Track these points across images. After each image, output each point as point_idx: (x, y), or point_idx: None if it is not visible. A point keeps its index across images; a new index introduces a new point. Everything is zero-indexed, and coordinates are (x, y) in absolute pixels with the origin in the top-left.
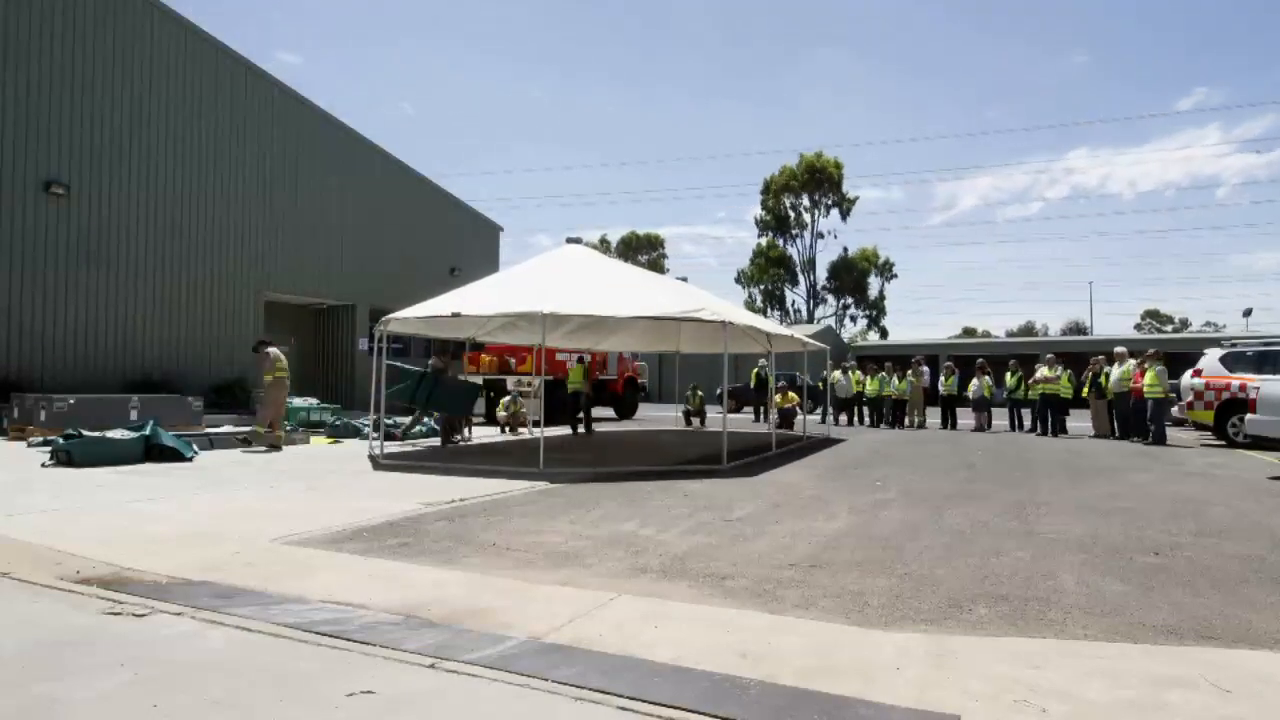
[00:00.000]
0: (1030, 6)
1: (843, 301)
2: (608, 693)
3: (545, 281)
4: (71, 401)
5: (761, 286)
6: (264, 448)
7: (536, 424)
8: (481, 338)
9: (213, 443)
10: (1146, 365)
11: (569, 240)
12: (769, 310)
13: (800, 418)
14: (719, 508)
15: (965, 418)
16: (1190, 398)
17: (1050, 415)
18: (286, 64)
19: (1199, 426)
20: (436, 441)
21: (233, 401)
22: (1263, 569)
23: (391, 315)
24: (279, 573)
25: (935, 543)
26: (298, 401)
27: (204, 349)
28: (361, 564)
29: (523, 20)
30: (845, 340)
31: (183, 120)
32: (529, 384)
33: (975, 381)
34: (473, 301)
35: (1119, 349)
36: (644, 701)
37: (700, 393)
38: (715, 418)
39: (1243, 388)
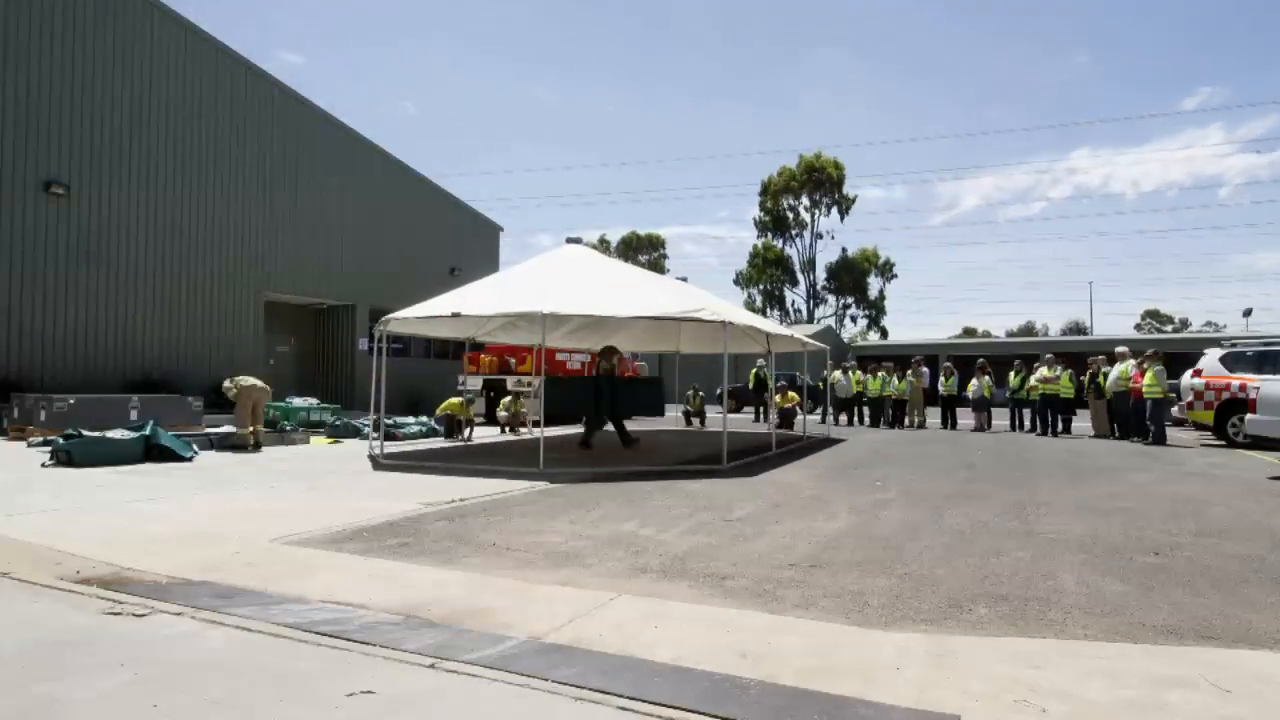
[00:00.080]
0: (1032, 6)
1: (842, 301)
2: (608, 693)
3: (545, 281)
4: (71, 401)
5: (760, 287)
6: (246, 448)
7: (536, 424)
8: (481, 338)
9: (212, 443)
10: (1146, 365)
11: (569, 240)
12: (769, 310)
13: (800, 418)
14: (719, 508)
15: (965, 418)
16: (1190, 398)
17: (1050, 415)
18: (289, 63)
19: (1199, 426)
20: (435, 442)
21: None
22: (1263, 569)
23: (391, 315)
24: (279, 573)
25: (935, 543)
26: (298, 401)
27: (204, 349)
28: (361, 564)
29: (523, 20)
30: (845, 340)
31: (183, 120)
32: (529, 384)
33: (975, 381)
34: (473, 301)
35: (1121, 349)
36: (644, 701)
37: (700, 393)
38: (715, 418)
39: (1243, 388)
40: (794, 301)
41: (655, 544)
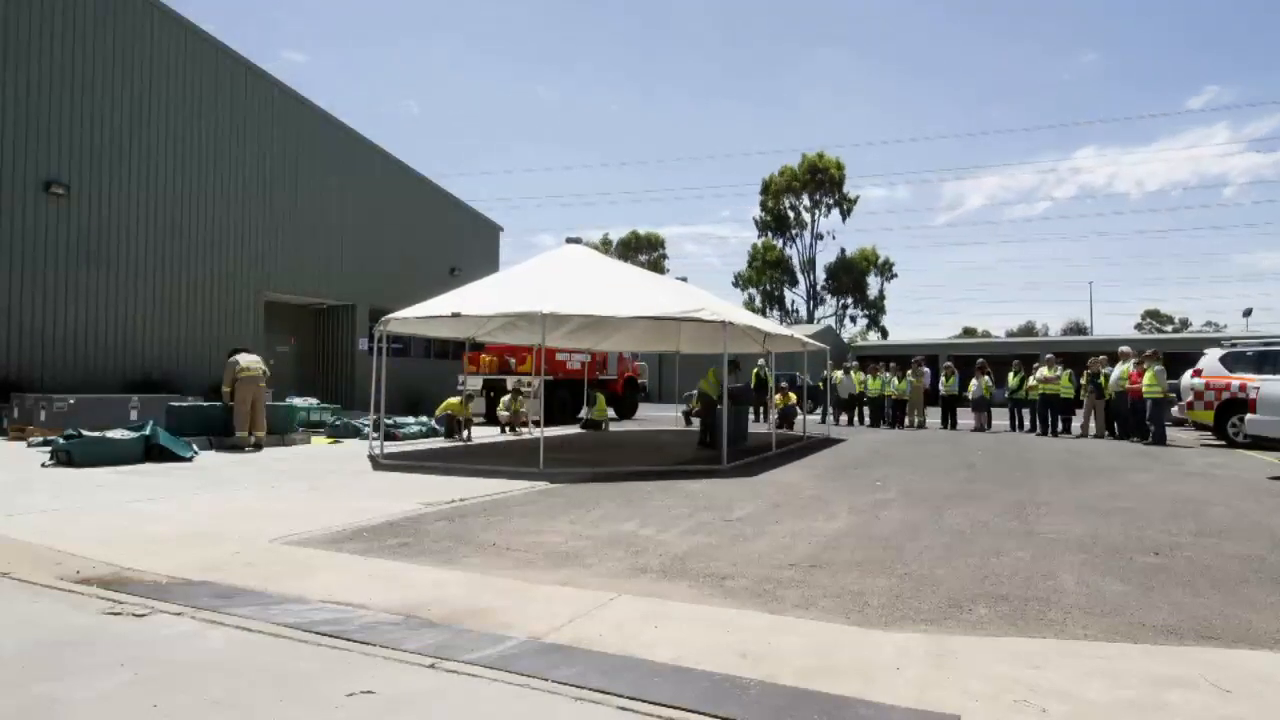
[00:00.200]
0: (1038, 5)
1: (842, 301)
2: (608, 693)
3: (545, 281)
4: (71, 401)
5: (760, 288)
6: (243, 449)
7: (536, 424)
8: (481, 338)
9: (212, 443)
10: (1145, 365)
11: (569, 240)
12: (768, 311)
13: (800, 417)
14: (719, 508)
15: (965, 418)
16: (1190, 398)
17: (1050, 415)
18: (292, 63)
19: (1199, 426)
20: (435, 442)
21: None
22: (1263, 569)
23: (391, 315)
24: (279, 573)
25: (935, 543)
26: (298, 401)
27: (204, 349)
28: (361, 564)
29: (523, 20)
30: (845, 340)
31: (183, 120)
32: (529, 384)
33: (975, 381)
34: (473, 301)
35: (1124, 349)
36: (644, 701)
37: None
38: None
39: (1243, 388)
40: (794, 302)
41: (655, 544)
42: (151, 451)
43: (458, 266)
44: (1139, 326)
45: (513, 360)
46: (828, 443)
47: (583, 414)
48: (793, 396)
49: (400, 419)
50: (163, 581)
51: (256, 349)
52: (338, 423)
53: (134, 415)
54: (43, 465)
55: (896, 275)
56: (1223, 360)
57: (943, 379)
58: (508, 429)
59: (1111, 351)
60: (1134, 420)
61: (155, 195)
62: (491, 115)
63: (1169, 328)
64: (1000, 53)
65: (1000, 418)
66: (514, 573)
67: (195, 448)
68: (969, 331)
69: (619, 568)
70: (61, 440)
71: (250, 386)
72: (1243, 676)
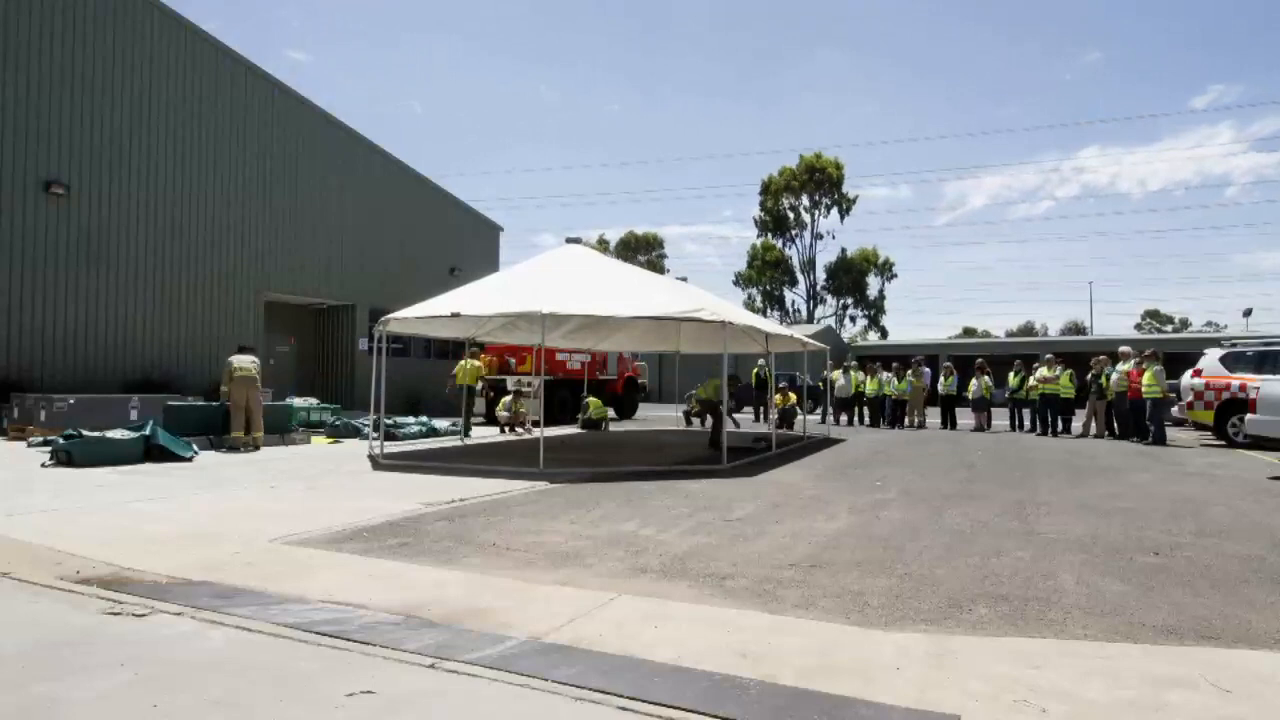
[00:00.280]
0: (1042, 4)
1: (842, 301)
2: (608, 693)
3: (545, 282)
4: (71, 401)
5: (760, 287)
6: (239, 450)
7: (536, 424)
8: (481, 338)
9: (212, 443)
10: (1145, 365)
11: (569, 240)
12: (768, 311)
13: (800, 417)
14: (719, 508)
15: (965, 418)
16: (1190, 398)
17: (1050, 415)
18: (295, 62)
19: (1199, 426)
20: (435, 442)
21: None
22: (1263, 569)
23: (391, 315)
24: (279, 573)
25: (935, 543)
26: (298, 402)
27: (204, 349)
28: (361, 564)
29: (524, 20)
30: (845, 340)
31: (183, 120)
32: (529, 384)
33: (975, 381)
34: (472, 301)
35: (1124, 349)
36: (644, 701)
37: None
38: None
39: (1243, 388)
40: (794, 302)
41: (655, 544)
42: (151, 451)
43: (458, 266)
44: (1139, 326)
45: (513, 360)
46: (828, 443)
47: (582, 414)
48: (792, 396)
49: (400, 419)
50: (163, 581)
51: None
52: (338, 423)
53: (134, 415)
54: (43, 465)
55: (896, 275)
56: (1223, 360)
57: (942, 379)
58: (508, 429)
59: (1111, 351)
60: (1134, 420)
61: (155, 195)
62: (492, 115)
63: (1169, 328)
64: (1004, 52)
65: (1000, 418)
66: (514, 573)
67: (195, 448)
68: (969, 331)
69: (619, 568)
70: (61, 440)
71: (244, 386)
72: (1243, 676)
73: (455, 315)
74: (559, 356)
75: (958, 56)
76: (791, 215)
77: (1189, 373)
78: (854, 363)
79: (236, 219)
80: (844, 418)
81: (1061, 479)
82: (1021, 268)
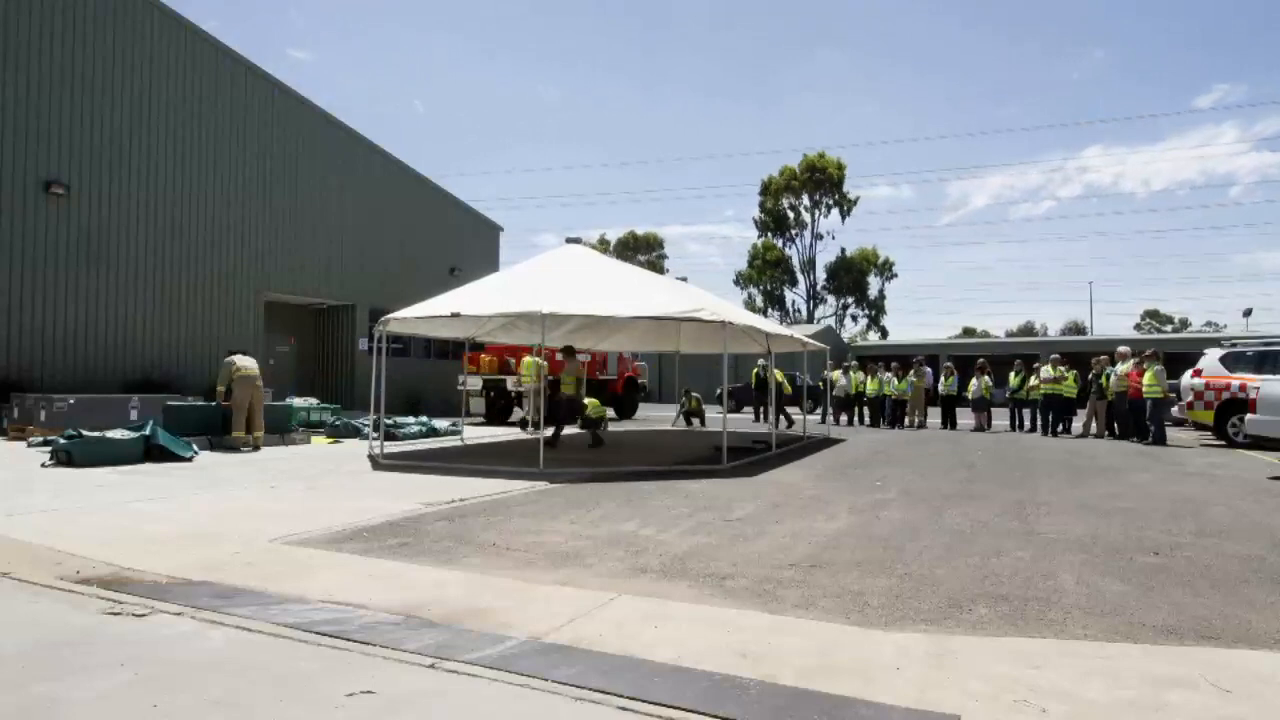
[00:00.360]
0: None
1: (842, 301)
2: (608, 693)
3: (545, 281)
4: (71, 401)
5: (760, 287)
6: (239, 450)
7: (536, 424)
8: (481, 338)
9: (212, 443)
10: (1145, 365)
11: (569, 240)
12: (768, 311)
13: (800, 418)
14: (719, 508)
15: (965, 418)
16: (1190, 398)
17: (1052, 416)
18: (297, 60)
19: (1199, 426)
20: (435, 442)
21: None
22: (1263, 569)
23: (391, 315)
24: (279, 573)
25: (935, 543)
26: (298, 402)
27: (204, 349)
28: (361, 564)
29: (524, 21)
30: (845, 340)
31: (183, 120)
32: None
33: (975, 381)
34: (472, 301)
35: (1122, 349)
36: (644, 701)
37: (695, 395)
38: (715, 418)
39: (1243, 388)
40: (794, 302)
41: (655, 544)
42: (151, 451)
43: (458, 266)
44: (1139, 326)
45: (513, 360)
46: (828, 443)
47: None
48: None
49: (400, 419)
50: (163, 581)
51: (256, 348)
52: (337, 423)
53: (134, 415)
54: (43, 465)
55: (896, 275)
56: (1223, 360)
57: (942, 379)
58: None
59: (1111, 351)
60: (1134, 420)
61: (155, 195)
62: (492, 115)
63: (1169, 328)
64: (1007, 51)
65: (1000, 418)
66: (514, 573)
67: (195, 447)
68: (969, 331)
69: (619, 568)
70: (61, 440)
71: (248, 387)
72: (1243, 676)
73: (455, 315)
74: (559, 356)
75: (959, 56)
76: (791, 215)
77: (1189, 373)
78: (854, 363)
79: (236, 219)
80: (844, 418)
81: (1061, 479)
82: (1021, 268)
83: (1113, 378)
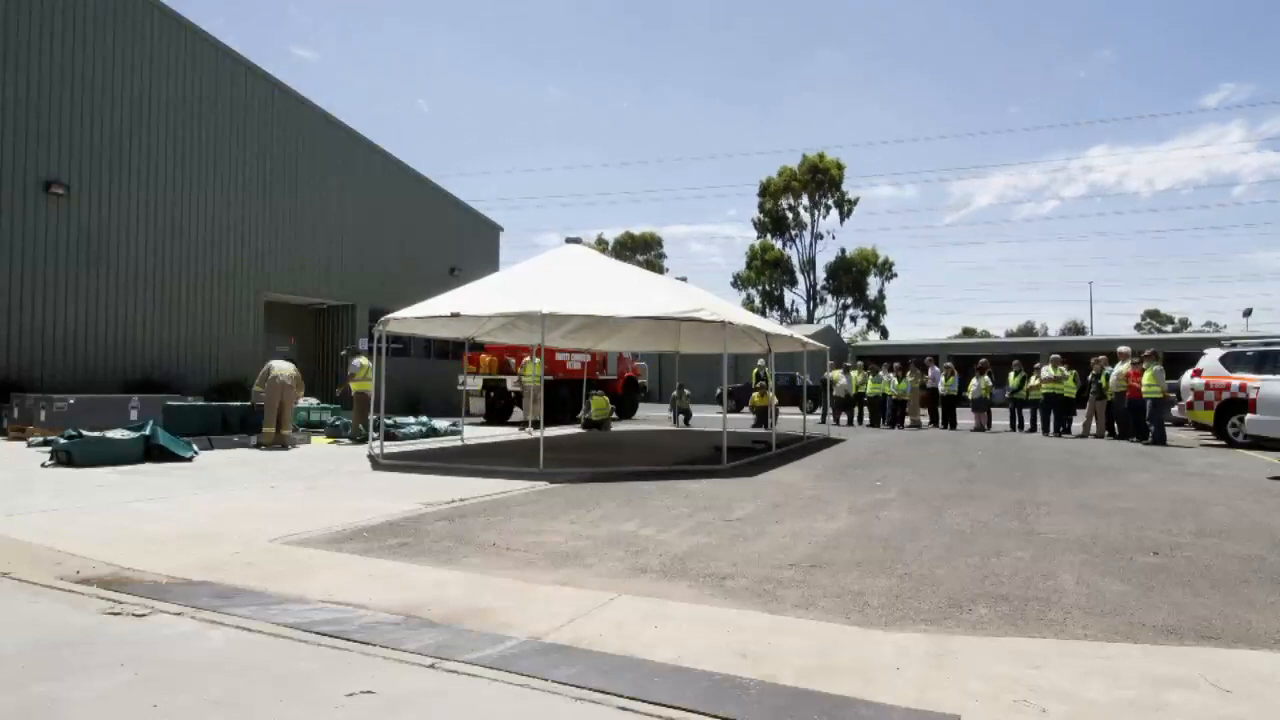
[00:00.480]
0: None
1: (842, 301)
2: (608, 693)
3: (545, 281)
4: (71, 401)
5: (759, 288)
6: (261, 447)
7: (536, 424)
8: (481, 338)
9: (212, 443)
10: (1145, 365)
11: (569, 240)
12: (768, 311)
13: (801, 418)
14: (719, 508)
15: (965, 418)
16: (1190, 398)
17: (1053, 415)
18: (300, 59)
19: (1199, 426)
20: (435, 442)
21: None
22: (1263, 569)
23: (391, 315)
24: (279, 573)
25: (935, 543)
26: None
27: (204, 349)
28: (361, 564)
29: (525, 21)
30: (845, 340)
31: (183, 120)
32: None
33: (975, 381)
34: (472, 301)
35: (1122, 349)
36: (644, 701)
37: (687, 391)
38: (714, 417)
39: (1243, 388)
40: (793, 302)
41: (655, 544)
42: (151, 451)
43: (458, 266)
44: (1139, 326)
45: (513, 360)
46: (827, 443)
47: (582, 414)
48: (772, 396)
49: (400, 419)
50: (163, 581)
51: (257, 348)
52: (337, 423)
53: (134, 415)
54: (43, 465)
55: (896, 275)
56: (1223, 360)
57: (942, 379)
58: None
59: (1111, 351)
60: (1134, 420)
61: (155, 195)
62: (493, 115)
63: (1169, 328)
64: (1010, 51)
65: (1000, 418)
66: (514, 573)
67: (195, 447)
68: (969, 331)
69: (619, 568)
70: (61, 440)
71: (277, 389)
72: (1243, 676)
73: (455, 315)
74: (559, 356)
75: (963, 56)
76: (791, 215)
77: (1189, 373)
78: (858, 363)
79: (236, 219)
80: (844, 418)
81: (1061, 479)
82: (1022, 268)
83: (1113, 378)
